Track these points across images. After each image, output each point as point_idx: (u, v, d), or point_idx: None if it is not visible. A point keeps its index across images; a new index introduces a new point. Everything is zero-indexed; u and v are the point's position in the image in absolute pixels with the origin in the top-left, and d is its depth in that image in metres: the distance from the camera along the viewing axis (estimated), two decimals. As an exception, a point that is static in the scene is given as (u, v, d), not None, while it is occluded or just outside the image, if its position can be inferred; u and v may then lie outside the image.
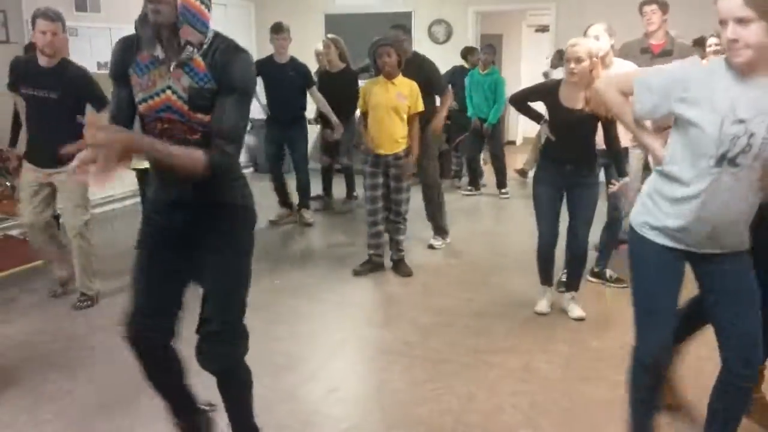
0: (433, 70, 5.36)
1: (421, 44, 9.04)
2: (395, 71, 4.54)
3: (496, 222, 6.55)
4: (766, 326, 2.22)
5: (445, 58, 8.47)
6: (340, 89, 6.25)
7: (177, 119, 2.05)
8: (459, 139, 8.06)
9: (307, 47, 6.86)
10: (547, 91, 3.78)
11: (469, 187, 7.83)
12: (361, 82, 5.45)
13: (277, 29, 6.09)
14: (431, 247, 5.51)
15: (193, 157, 1.99)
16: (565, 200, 3.90)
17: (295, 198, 6.47)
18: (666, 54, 4.64)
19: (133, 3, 7.31)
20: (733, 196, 2.02)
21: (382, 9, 9.06)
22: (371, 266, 4.90)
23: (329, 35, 6.65)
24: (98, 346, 3.66)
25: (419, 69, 5.11)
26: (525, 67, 11.85)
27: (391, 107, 4.55)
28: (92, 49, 6.74)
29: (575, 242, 3.92)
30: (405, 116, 4.60)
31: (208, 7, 2.06)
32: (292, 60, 6.13)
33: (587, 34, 4.18)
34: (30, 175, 4.11)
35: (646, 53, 4.73)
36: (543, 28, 10.62)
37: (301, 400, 3.14)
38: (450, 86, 5.86)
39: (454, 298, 4.42)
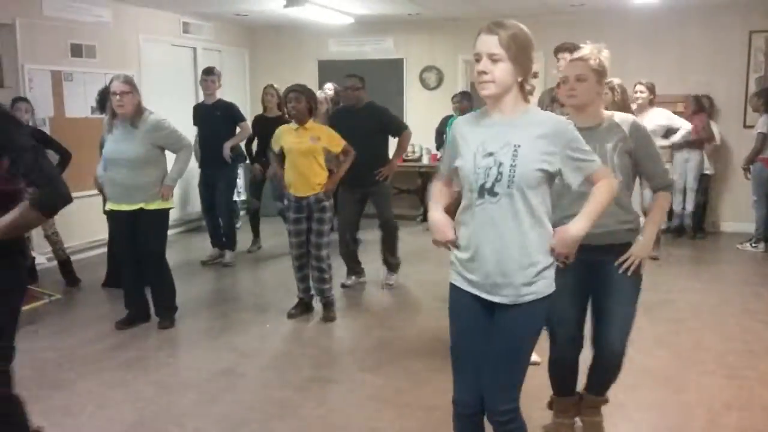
0: (386, 114, 5.61)
1: (412, 90, 9.22)
2: (304, 117, 4.64)
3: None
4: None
5: (435, 104, 8.62)
6: (271, 134, 6.43)
7: None
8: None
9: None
10: None
11: None
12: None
13: (208, 71, 6.43)
14: (389, 286, 5.55)
15: (25, 215, 2.26)
16: None
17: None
18: None
19: (127, 49, 7.47)
20: (502, 229, 2.12)
21: (374, 56, 9.21)
22: (303, 308, 4.93)
23: (272, 83, 6.87)
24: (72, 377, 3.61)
25: (373, 116, 5.39)
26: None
27: (304, 151, 4.63)
28: (86, 94, 6.81)
29: None
30: (321, 158, 4.69)
31: None
32: (219, 101, 6.41)
33: None
34: None
35: (554, 102, 4.98)
36: (533, 75, 10.79)
37: (290, 449, 3.10)
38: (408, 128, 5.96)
39: (447, 344, 4.39)
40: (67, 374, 3.87)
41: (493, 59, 2.06)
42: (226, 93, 6.64)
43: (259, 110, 6.97)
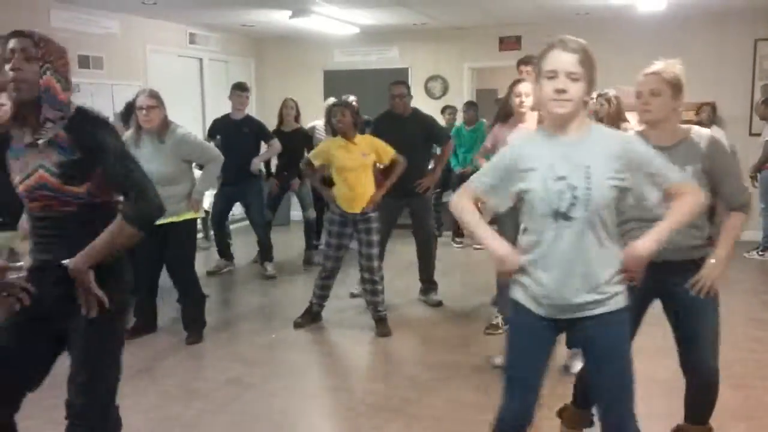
0: (432, 122, 5.58)
1: (417, 99, 9.21)
2: (350, 131, 4.62)
3: (490, 274, 6.51)
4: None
5: (441, 113, 8.64)
6: (292, 147, 6.53)
7: (51, 195, 2.15)
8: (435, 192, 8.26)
9: (306, 102, 6.98)
10: None
11: (457, 239, 7.86)
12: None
13: (243, 87, 6.40)
14: (438, 303, 5.43)
15: (122, 231, 2.16)
16: None
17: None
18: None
19: (134, 60, 7.51)
20: (578, 251, 2.09)
21: (379, 65, 9.25)
22: (312, 316, 4.88)
23: (291, 97, 6.90)
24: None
25: (419, 124, 5.32)
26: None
27: (357, 167, 4.61)
28: (93, 105, 6.80)
29: None
30: (371, 173, 4.68)
31: (66, 88, 2.18)
32: (248, 117, 6.40)
33: (516, 90, 4.26)
34: None
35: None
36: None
37: (297, 459, 3.09)
38: (451, 137, 5.97)
39: (454, 353, 4.39)
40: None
41: (572, 78, 2.04)
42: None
43: (266, 120, 6.95)
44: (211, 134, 6.42)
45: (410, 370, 4.14)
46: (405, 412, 3.54)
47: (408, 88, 5.44)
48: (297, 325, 4.83)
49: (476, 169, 7.26)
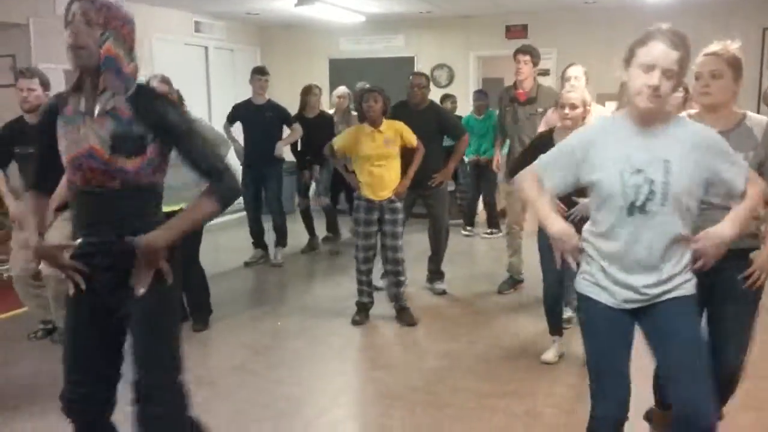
0: (448, 115, 5.56)
1: (423, 88, 9.20)
2: (379, 118, 4.57)
3: (495, 263, 6.50)
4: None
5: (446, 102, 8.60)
6: (315, 133, 6.46)
7: (97, 167, 2.05)
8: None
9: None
10: (543, 143, 3.79)
11: (468, 228, 7.84)
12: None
13: (263, 72, 6.36)
14: (443, 292, 5.43)
15: (204, 208, 2.11)
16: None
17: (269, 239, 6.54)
18: (530, 102, 5.09)
19: (140, 48, 7.48)
20: (651, 242, 2.07)
21: (385, 54, 9.22)
22: (366, 313, 4.83)
23: (316, 83, 6.85)
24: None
25: (434, 116, 5.31)
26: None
27: (381, 155, 4.56)
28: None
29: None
30: (397, 162, 4.63)
31: (131, 60, 2.13)
32: (269, 101, 6.35)
33: (566, 74, 4.29)
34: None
35: (514, 102, 5.19)
36: (544, 72, 10.74)
37: (302, 446, 3.10)
38: (467, 132, 5.92)
39: (458, 342, 4.39)
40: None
41: (667, 76, 1.98)
42: (240, 92, 6.63)
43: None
44: (231, 120, 6.37)
45: (415, 357, 4.14)
46: (409, 399, 3.54)
47: (428, 80, 5.42)
48: (355, 322, 4.73)
49: (489, 157, 7.20)
